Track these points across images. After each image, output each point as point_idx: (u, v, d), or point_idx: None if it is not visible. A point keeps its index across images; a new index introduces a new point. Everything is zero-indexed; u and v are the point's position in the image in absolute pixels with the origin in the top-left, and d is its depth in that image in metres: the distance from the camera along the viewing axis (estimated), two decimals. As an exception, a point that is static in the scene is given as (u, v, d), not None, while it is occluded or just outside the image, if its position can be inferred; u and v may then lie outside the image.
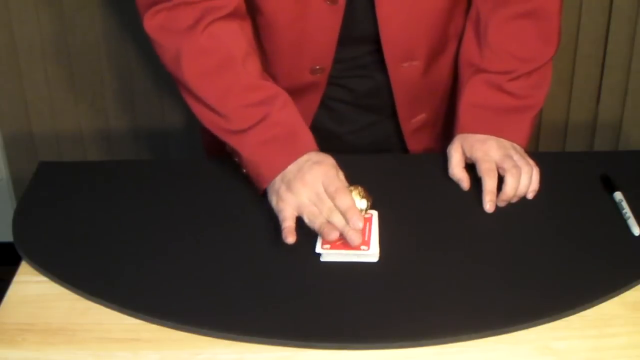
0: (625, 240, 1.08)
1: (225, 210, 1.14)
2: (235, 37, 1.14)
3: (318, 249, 1.04)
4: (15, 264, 1.06)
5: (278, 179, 1.10)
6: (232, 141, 1.14)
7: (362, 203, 1.06)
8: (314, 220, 1.05)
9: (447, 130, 1.37)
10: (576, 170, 1.22)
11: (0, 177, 2.18)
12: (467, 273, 1.02)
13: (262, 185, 1.12)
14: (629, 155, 1.33)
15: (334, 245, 1.04)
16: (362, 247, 1.04)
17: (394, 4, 1.17)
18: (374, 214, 1.11)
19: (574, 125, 2.10)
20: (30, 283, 1.03)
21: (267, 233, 1.08)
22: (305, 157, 1.10)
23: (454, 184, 1.19)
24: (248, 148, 1.12)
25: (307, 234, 1.06)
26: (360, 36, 1.22)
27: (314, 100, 1.29)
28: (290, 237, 1.03)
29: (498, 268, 1.03)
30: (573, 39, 1.98)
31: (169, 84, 1.21)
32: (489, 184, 1.14)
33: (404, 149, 1.37)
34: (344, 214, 1.03)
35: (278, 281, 1.01)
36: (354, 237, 1.02)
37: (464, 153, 1.20)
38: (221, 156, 1.20)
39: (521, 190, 1.14)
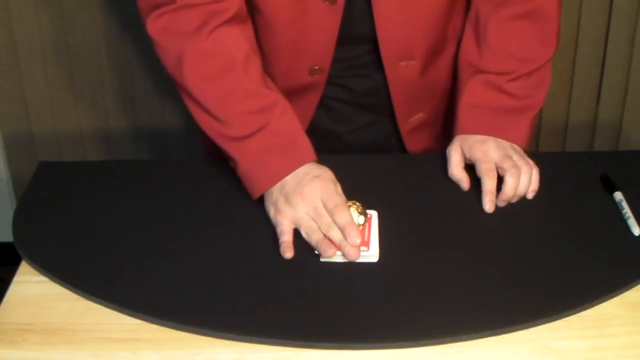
0: (625, 240, 1.08)
1: (225, 210, 1.14)
2: (238, 41, 1.14)
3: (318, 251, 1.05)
4: (15, 264, 1.06)
5: (276, 190, 1.10)
6: (229, 147, 1.14)
7: (360, 219, 1.06)
8: (311, 235, 1.05)
9: (446, 130, 1.38)
10: (576, 170, 1.22)
11: (0, 177, 2.18)
12: (467, 273, 1.02)
13: (255, 192, 1.12)
14: (629, 155, 1.33)
15: (333, 246, 1.04)
16: (362, 248, 1.04)
17: (391, 4, 1.18)
18: (374, 214, 1.11)
19: (574, 125, 2.10)
20: (30, 283, 1.03)
21: (267, 233, 1.08)
22: (304, 170, 1.10)
23: (454, 184, 1.19)
24: (246, 156, 1.12)
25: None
26: (359, 36, 1.22)
27: (312, 100, 1.29)
28: (288, 253, 1.04)
29: (498, 268, 1.03)
30: (573, 39, 1.98)
31: (169, 85, 1.21)
32: (489, 184, 1.14)
33: (403, 149, 1.37)
34: (342, 230, 1.04)
35: (278, 281, 1.01)
36: (352, 253, 1.03)
37: (463, 153, 1.20)
38: (221, 157, 1.20)
39: (521, 190, 1.14)
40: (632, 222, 1.10)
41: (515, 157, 1.17)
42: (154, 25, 1.14)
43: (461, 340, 0.93)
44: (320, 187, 1.07)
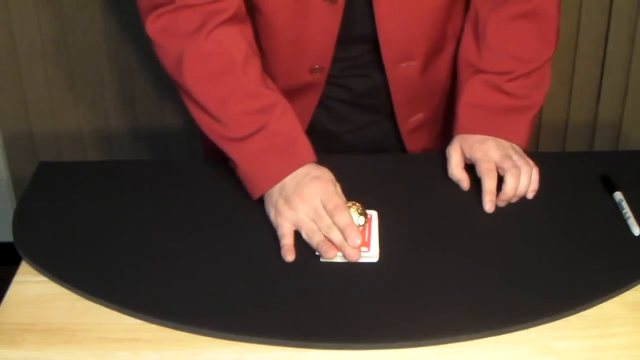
0: (625, 240, 1.08)
1: (225, 210, 1.14)
2: (237, 42, 1.14)
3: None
4: (15, 264, 1.06)
5: (276, 191, 1.10)
6: (229, 148, 1.14)
7: (360, 219, 1.06)
8: (312, 236, 1.05)
9: (446, 130, 1.38)
10: (576, 170, 1.22)
11: (0, 177, 2.18)
12: (467, 273, 1.02)
13: (255, 193, 1.12)
14: (629, 155, 1.33)
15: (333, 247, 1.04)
16: (362, 248, 1.04)
17: (392, 4, 1.18)
18: (374, 214, 1.11)
19: (574, 125, 2.10)
20: (30, 283, 1.03)
21: (267, 233, 1.08)
22: (304, 171, 1.10)
23: (454, 184, 1.19)
24: (245, 157, 1.12)
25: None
26: (359, 36, 1.22)
27: (312, 99, 1.29)
28: (289, 256, 1.04)
29: (498, 268, 1.03)
30: (573, 39, 1.98)
31: (169, 85, 1.21)
32: (489, 184, 1.14)
33: (403, 149, 1.37)
34: (342, 231, 1.04)
35: (278, 281, 1.01)
36: (352, 254, 1.03)
37: (463, 153, 1.20)
38: (220, 157, 1.20)
39: (521, 190, 1.14)
40: (632, 222, 1.10)
41: (515, 157, 1.17)
42: (154, 26, 1.13)
43: (461, 340, 0.93)
44: (320, 189, 1.07)
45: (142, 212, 1.14)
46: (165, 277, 1.02)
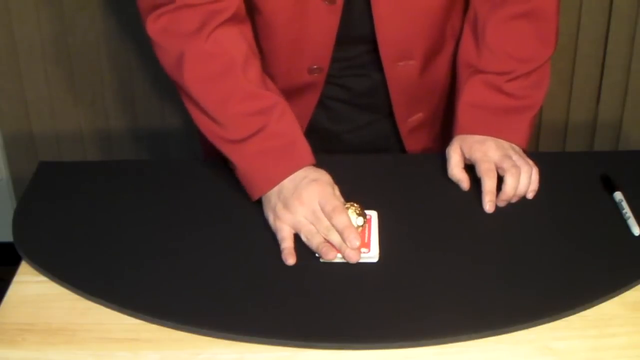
0: (625, 240, 1.08)
1: (225, 211, 1.14)
2: (237, 42, 1.14)
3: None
4: (15, 264, 1.06)
5: (274, 195, 1.10)
6: (228, 150, 1.14)
7: (359, 220, 1.06)
8: (311, 239, 1.05)
9: (445, 130, 1.38)
10: (576, 170, 1.22)
11: (0, 177, 2.18)
12: (467, 273, 1.02)
13: (254, 195, 1.12)
14: (629, 155, 1.33)
15: (333, 248, 1.04)
16: (362, 249, 1.04)
17: (390, 4, 1.18)
18: (374, 214, 1.11)
19: (574, 125, 2.10)
20: (30, 283, 1.03)
21: (267, 233, 1.08)
22: (301, 174, 1.10)
23: (454, 185, 1.19)
24: (244, 158, 1.12)
25: (307, 234, 1.06)
26: (358, 36, 1.22)
27: (312, 99, 1.29)
28: (290, 259, 1.04)
29: (498, 268, 1.03)
30: (573, 39, 1.98)
31: (169, 85, 1.21)
32: (489, 184, 1.14)
33: (402, 149, 1.37)
34: (341, 233, 1.04)
35: (278, 281, 1.01)
36: (352, 256, 1.03)
37: (462, 154, 1.20)
38: (219, 157, 1.20)
39: (521, 190, 1.14)
40: (632, 222, 1.10)
41: (515, 157, 1.17)
42: (154, 26, 1.13)
43: (461, 340, 0.93)
44: (318, 191, 1.07)
45: (142, 212, 1.13)
46: (165, 277, 1.02)
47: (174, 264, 1.04)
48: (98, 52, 2.00)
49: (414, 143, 1.37)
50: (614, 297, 0.99)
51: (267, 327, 0.94)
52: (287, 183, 1.09)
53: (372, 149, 1.36)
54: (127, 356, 0.92)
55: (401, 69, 1.25)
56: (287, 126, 1.13)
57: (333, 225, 1.05)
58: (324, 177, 1.10)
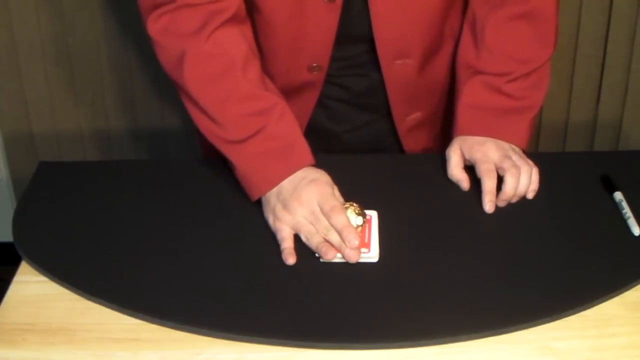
0: (625, 240, 1.08)
1: (225, 211, 1.14)
2: (237, 43, 1.14)
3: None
4: (15, 264, 1.06)
5: (274, 196, 1.10)
6: (227, 151, 1.14)
7: (359, 220, 1.06)
8: (311, 239, 1.05)
9: (445, 130, 1.38)
10: (576, 170, 1.22)
11: (0, 177, 2.18)
12: (467, 273, 1.02)
13: (254, 195, 1.12)
14: (629, 155, 1.33)
15: (333, 248, 1.04)
16: (362, 249, 1.04)
17: (387, 3, 1.18)
18: (374, 214, 1.11)
19: (574, 125, 2.10)
20: (30, 283, 1.03)
21: (267, 233, 1.08)
22: (300, 174, 1.10)
23: (454, 185, 1.19)
24: (243, 159, 1.13)
25: (307, 234, 1.06)
26: (357, 35, 1.22)
27: (311, 98, 1.29)
28: (290, 259, 1.04)
29: (498, 268, 1.03)
30: (573, 39, 1.98)
31: (168, 85, 1.22)
32: (488, 184, 1.14)
33: (401, 149, 1.37)
34: (339, 233, 1.04)
35: (278, 281, 1.01)
36: (351, 255, 1.03)
37: (462, 155, 1.20)
38: (219, 157, 1.20)
39: (521, 190, 1.14)
40: (632, 222, 1.10)
41: (515, 157, 1.17)
42: (154, 26, 1.14)
43: (461, 340, 0.93)
44: (317, 191, 1.07)
45: (142, 212, 1.13)
46: (165, 277, 1.02)
47: (174, 263, 1.04)
48: (98, 52, 2.00)
49: (412, 143, 1.37)
50: (614, 297, 0.99)
51: (267, 327, 0.94)
52: (286, 184, 1.09)
53: (371, 148, 1.36)
54: (127, 356, 0.92)
55: (399, 67, 1.25)
56: (287, 127, 1.13)
57: (332, 225, 1.05)
58: (323, 177, 1.10)
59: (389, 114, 1.33)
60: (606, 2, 1.93)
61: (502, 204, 1.14)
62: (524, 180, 1.14)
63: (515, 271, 1.02)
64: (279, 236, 1.07)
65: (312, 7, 1.17)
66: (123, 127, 2.11)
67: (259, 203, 1.13)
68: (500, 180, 1.14)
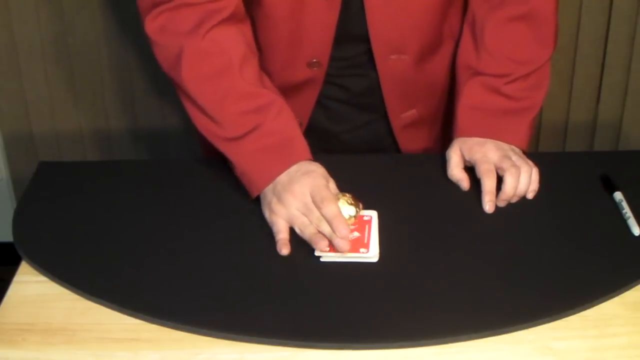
0: (625, 240, 1.08)
1: (225, 210, 1.14)
2: (235, 41, 1.14)
3: (317, 252, 1.04)
4: (15, 264, 1.06)
5: (269, 190, 1.10)
6: (225, 149, 1.14)
7: (351, 210, 1.06)
8: (304, 230, 1.06)
9: (445, 131, 1.38)
10: (576, 170, 1.22)
11: (0, 177, 2.18)
12: (467, 273, 1.02)
13: (253, 192, 1.13)
14: (629, 155, 1.33)
15: (332, 248, 1.04)
16: (362, 249, 1.04)
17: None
18: (374, 215, 1.11)
19: (574, 125, 2.10)
20: (30, 283, 1.03)
21: (267, 233, 1.08)
22: (295, 167, 1.10)
23: (454, 185, 1.19)
24: (240, 156, 1.13)
25: (307, 234, 1.06)
26: (357, 34, 1.22)
27: (311, 96, 1.29)
28: (284, 249, 1.04)
29: (498, 268, 1.03)
30: (573, 39, 1.98)
31: (168, 85, 1.22)
32: (488, 184, 1.14)
33: (398, 149, 1.37)
34: (330, 223, 1.04)
35: (278, 281, 1.01)
36: (341, 245, 1.03)
37: (462, 155, 1.20)
38: (219, 156, 1.20)
39: (521, 190, 1.14)
40: (632, 222, 1.10)
41: (515, 157, 1.17)
42: (152, 24, 1.14)
43: (461, 340, 0.93)
44: (310, 183, 1.08)
45: (142, 212, 1.13)
46: (165, 277, 1.02)
47: (174, 263, 1.04)
48: (98, 52, 2.00)
49: (407, 142, 1.36)
50: (614, 297, 0.99)
51: (267, 327, 0.94)
52: (282, 178, 1.10)
53: (371, 149, 1.36)
54: (127, 356, 0.92)
55: (394, 62, 1.25)
56: (284, 124, 1.14)
57: (323, 215, 1.05)
58: (318, 169, 1.10)
59: (386, 115, 1.33)
60: (606, 2, 1.93)
61: (502, 204, 1.14)
62: (523, 180, 1.14)
63: (515, 271, 1.02)
64: (274, 229, 1.07)
65: (312, 3, 1.17)
66: (123, 127, 2.11)
67: (258, 202, 1.13)
68: (500, 181, 1.14)
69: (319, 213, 1.06)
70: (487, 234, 1.09)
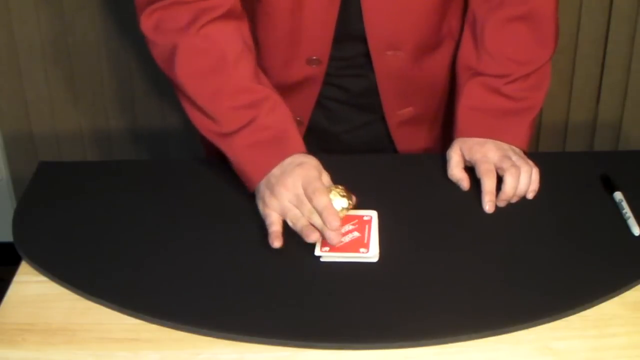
0: (625, 240, 1.08)
1: (225, 210, 1.14)
2: (230, 38, 1.15)
3: (317, 252, 1.04)
4: (15, 264, 1.06)
5: (263, 183, 1.10)
6: (221, 144, 1.15)
7: (343, 202, 1.06)
8: (296, 222, 1.06)
9: (445, 132, 1.38)
10: (576, 170, 1.22)
11: (0, 177, 2.18)
12: (467, 273, 1.02)
13: (250, 186, 1.13)
14: (629, 155, 1.33)
15: (333, 248, 1.04)
16: (362, 249, 1.04)
17: None
18: (374, 215, 1.11)
19: (574, 125, 2.10)
20: (30, 283, 1.03)
21: (267, 233, 1.08)
22: (289, 160, 1.10)
23: (454, 185, 1.19)
24: (235, 151, 1.13)
25: (307, 234, 1.06)
26: (356, 34, 1.22)
27: (311, 95, 1.29)
28: (276, 242, 1.04)
29: (498, 268, 1.03)
30: (573, 39, 1.98)
31: (168, 85, 1.22)
32: (488, 184, 1.14)
33: (396, 150, 1.37)
34: (320, 214, 1.04)
35: (278, 281, 1.01)
36: (331, 237, 1.03)
37: (463, 155, 1.20)
38: (220, 156, 1.20)
39: (521, 190, 1.14)
40: (632, 222, 1.10)
41: (515, 157, 1.17)
42: (147, 22, 1.15)
43: (461, 340, 0.93)
44: (302, 175, 1.08)
45: (142, 212, 1.14)
46: (165, 277, 1.02)
47: (174, 263, 1.04)
48: (98, 52, 2.00)
49: (403, 141, 1.36)
50: (614, 297, 0.99)
51: (267, 327, 0.94)
52: (275, 170, 1.10)
53: (370, 149, 1.36)
54: (127, 356, 0.92)
55: (390, 58, 1.25)
56: (278, 119, 1.14)
57: (313, 207, 1.05)
58: (310, 161, 1.10)
59: (384, 111, 1.33)
60: (606, 2, 1.93)
61: (501, 204, 1.14)
62: (523, 180, 1.14)
63: (515, 271, 1.02)
64: (267, 221, 1.07)
65: (312, 0, 1.17)
66: (123, 127, 2.11)
67: (258, 203, 1.13)
68: (500, 181, 1.14)
69: (310, 205, 1.06)
70: (487, 234, 1.09)
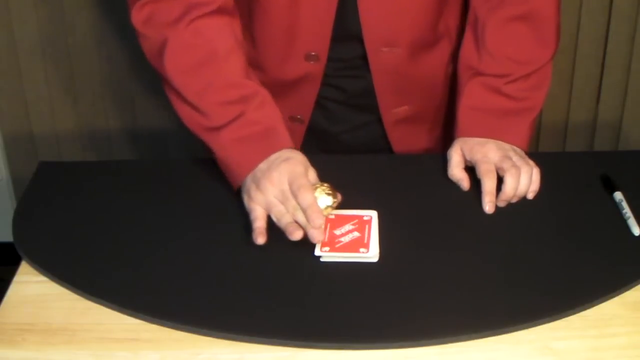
0: (625, 240, 1.08)
1: (225, 210, 1.14)
2: (221, 33, 1.15)
3: (317, 252, 1.04)
4: (15, 264, 1.06)
5: (249, 178, 1.10)
6: (207, 138, 1.15)
7: (328, 200, 1.06)
8: (280, 218, 1.06)
9: (445, 132, 1.37)
10: (576, 170, 1.22)
11: (0, 177, 2.18)
12: (467, 273, 1.02)
13: (234, 183, 1.13)
14: (629, 155, 1.33)
15: (333, 248, 1.04)
16: (362, 249, 1.04)
17: None
18: (374, 215, 1.11)
19: (574, 125, 2.10)
20: (30, 283, 1.03)
21: (267, 233, 1.08)
22: (275, 155, 1.10)
23: (454, 185, 1.19)
24: (222, 145, 1.13)
25: (307, 234, 1.06)
26: (354, 33, 1.22)
27: (310, 93, 1.29)
28: (260, 238, 1.04)
29: (498, 268, 1.03)
30: (573, 39, 1.98)
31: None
32: (488, 184, 1.14)
33: (392, 150, 1.37)
34: (304, 212, 1.04)
35: (278, 281, 1.01)
36: (314, 235, 1.03)
37: (463, 155, 1.20)
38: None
39: (521, 190, 1.14)
40: (632, 222, 1.10)
41: (515, 157, 1.16)
42: (138, 16, 1.16)
43: (461, 340, 0.93)
44: (288, 170, 1.08)
45: (142, 212, 1.13)
46: (165, 277, 1.02)
47: (174, 263, 1.04)
48: (98, 52, 2.00)
49: (400, 141, 1.36)
50: (614, 297, 0.99)
51: (267, 327, 0.94)
52: (262, 165, 1.10)
53: (369, 149, 1.37)
54: (127, 356, 0.92)
55: (385, 55, 1.25)
56: (266, 114, 1.14)
57: (298, 204, 1.05)
58: (297, 156, 1.10)
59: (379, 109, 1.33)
60: (606, 2, 1.93)
61: (502, 204, 1.14)
62: (524, 180, 1.14)
63: (515, 271, 1.02)
64: (252, 216, 1.07)
65: None
66: (123, 127, 2.11)
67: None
68: (500, 181, 1.14)
69: (295, 202, 1.06)
70: (487, 234, 1.09)
